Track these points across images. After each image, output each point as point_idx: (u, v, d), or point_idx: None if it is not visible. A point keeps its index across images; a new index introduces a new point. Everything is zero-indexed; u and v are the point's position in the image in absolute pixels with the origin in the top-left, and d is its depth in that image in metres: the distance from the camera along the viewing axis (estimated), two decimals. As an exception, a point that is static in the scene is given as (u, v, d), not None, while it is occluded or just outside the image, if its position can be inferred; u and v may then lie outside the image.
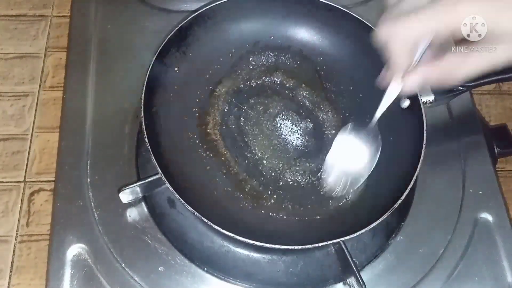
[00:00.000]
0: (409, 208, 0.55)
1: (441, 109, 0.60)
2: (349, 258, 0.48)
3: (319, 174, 0.54)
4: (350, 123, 0.50)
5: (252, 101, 0.59)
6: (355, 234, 0.45)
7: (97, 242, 0.51)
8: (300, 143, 0.57)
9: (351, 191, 0.51)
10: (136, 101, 0.56)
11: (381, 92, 0.57)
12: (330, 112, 0.59)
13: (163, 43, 0.53)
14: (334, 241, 0.46)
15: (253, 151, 0.56)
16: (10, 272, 0.56)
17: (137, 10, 0.66)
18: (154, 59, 0.52)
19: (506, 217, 0.55)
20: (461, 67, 0.37)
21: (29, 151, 0.63)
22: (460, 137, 0.60)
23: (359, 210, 0.51)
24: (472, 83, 0.55)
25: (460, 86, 0.55)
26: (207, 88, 0.58)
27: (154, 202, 0.54)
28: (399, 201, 0.46)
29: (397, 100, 0.48)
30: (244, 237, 0.44)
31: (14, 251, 0.57)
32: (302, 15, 0.60)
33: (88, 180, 0.54)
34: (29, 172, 0.62)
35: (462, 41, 0.36)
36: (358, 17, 0.56)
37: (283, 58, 0.61)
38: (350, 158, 0.50)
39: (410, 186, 0.47)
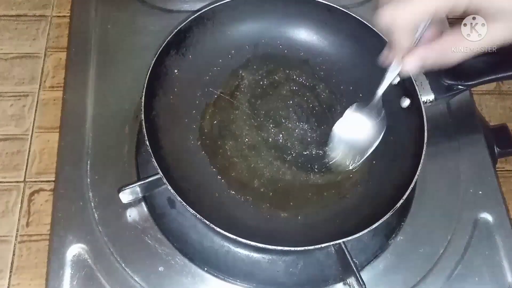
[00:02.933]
0: (409, 208, 0.55)
1: (441, 109, 0.61)
2: (349, 258, 0.48)
3: (326, 148, 0.55)
4: (356, 103, 0.51)
5: (252, 102, 0.59)
6: (357, 235, 0.45)
7: (97, 242, 0.51)
8: (300, 144, 0.57)
9: (357, 164, 0.53)
10: (136, 101, 0.56)
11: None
12: (330, 113, 0.59)
13: (163, 46, 0.53)
14: (336, 242, 0.46)
15: (254, 152, 0.56)
16: (10, 272, 0.56)
17: (137, 10, 0.66)
18: (153, 61, 0.52)
19: (506, 217, 0.55)
20: (458, 46, 0.38)
21: (29, 151, 0.63)
22: (460, 137, 0.60)
23: (360, 210, 0.51)
24: (472, 82, 0.55)
25: (460, 85, 0.55)
26: (207, 90, 0.58)
27: (154, 202, 0.54)
28: (400, 202, 0.46)
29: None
30: (244, 238, 0.44)
31: (14, 251, 0.57)
32: (301, 15, 0.60)
33: (88, 180, 0.54)
34: (29, 172, 0.62)
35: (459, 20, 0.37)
36: (358, 17, 0.56)
37: (282, 59, 0.61)
38: (355, 133, 0.51)
39: (411, 186, 0.47)
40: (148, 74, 0.51)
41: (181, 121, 0.56)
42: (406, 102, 0.54)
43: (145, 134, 0.48)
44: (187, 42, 0.57)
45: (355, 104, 0.51)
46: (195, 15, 0.56)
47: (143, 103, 0.50)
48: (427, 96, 0.54)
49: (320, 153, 0.56)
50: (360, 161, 0.52)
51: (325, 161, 0.55)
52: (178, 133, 0.55)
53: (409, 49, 0.40)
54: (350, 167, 0.53)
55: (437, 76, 0.55)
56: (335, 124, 0.52)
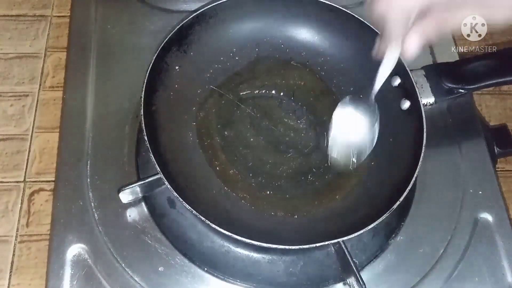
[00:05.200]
0: (409, 208, 0.55)
1: (441, 109, 0.61)
2: (349, 258, 0.48)
3: (327, 150, 0.53)
4: (347, 96, 0.51)
5: (252, 100, 0.59)
6: (355, 234, 0.45)
7: (97, 242, 0.51)
8: (300, 143, 0.57)
9: (356, 163, 0.52)
10: (136, 101, 0.56)
11: (381, 95, 0.57)
12: (330, 113, 0.59)
13: (164, 42, 0.53)
14: (334, 241, 0.46)
15: (253, 150, 0.56)
16: (10, 272, 0.56)
17: (137, 10, 0.66)
18: (155, 57, 0.52)
19: (506, 217, 0.56)
20: (454, 14, 0.38)
21: (29, 151, 0.63)
22: (460, 138, 0.60)
23: (359, 210, 0.51)
24: (472, 86, 0.55)
25: (461, 89, 0.55)
26: (208, 88, 0.58)
27: (154, 202, 0.54)
28: (398, 202, 0.47)
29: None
30: (243, 237, 0.44)
31: (14, 251, 0.57)
32: (303, 15, 0.60)
33: (88, 180, 0.54)
34: (29, 172, 0.62)
35: None
36: (359, 18, 0.57)
37: (283, 59, 0.61)
38: (351, 131, 0.50)
39: (409, 187, 0.47)
40: (149, 69, 0.51)
41: (181, 117, 0.56)
42: (406, 104, 0.54)
43: (144, 130, 0.48)
44: (188, 39, 0.57)
45: (347, 98, 0.50)
46: (197, 12, 0.56)
47: (142, 98, 0.50)
48: (427, 99, 0.54)
49: (319, 152, 0.56)
50: (361, 161, 0.52)
51: (327, 163, 0.55)
52: (177, 129, 0.55)
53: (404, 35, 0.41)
54: (350, 167, 0.52)
55: (438, 79, 0.55)
56: (332, 124, 0.51)
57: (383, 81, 0.46)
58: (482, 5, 0.37)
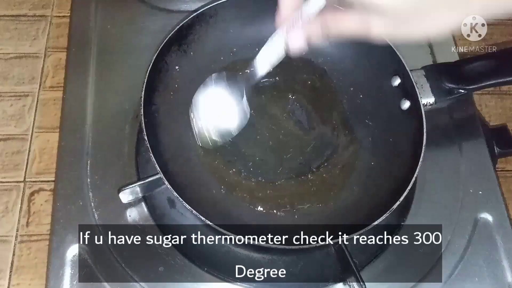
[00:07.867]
0: (409, 208, 0.55)
1: (441, 109, 0.60)
2: (349, 258, 0.48)
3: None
4: (213, 74, 0.51)
5: (252, 100, 0.59)
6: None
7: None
8: (299, 143, 0.57)
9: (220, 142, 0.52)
10: (136, 101, 0.56)
11: (381, 95, 0.57)
12: (330, 113, 0.59)
13: (164, 41, 0.53)
14: (334, 241, 0.46)
15: (252, 150, 0.56)
16: (10, 272, 0.56)
17: (137, 10, 0.66)
18: (155, 57, 0.52)
19: (506, 217, 0.55)
20: (335, 26, 0.38)
21: (29, 151, 0.63)
22: (460, 138, 0.60)
23: (359, 210, 0.51)
24: (473, 86, 0.55)
25: (461, 89, 0.55)
26: (208, 88, 0.58)
27: (154, 202, 0.54)
28: (398, 202, 0.47)
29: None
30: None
31: (14, 251, 0.57)
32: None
33: (88, 180, 0.54)
34: (29, 172, 0.62)
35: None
36: (359, 18, 0.56)
37: (284, 59, 0.61)
38: (214, 110, 0.51)
39: (409, 187, 0.47)
40: (149, 68, 0.51)
41: (181, 117, 0.56)
42: (406, 104, 0.54)
43: (144, 129, 0.48)
44: (189, 39, 0.57)
45: (212, 76, 0.51)
46: (197, 12, 0.56)
47: (142, 97, 0.50)
48: (427, 99, 0.54)
49: (319, 152, 0.56)
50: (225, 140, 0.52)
51: (327, 163, 0.54)
52: (177, 129, 0.55)
53: (294, 24, 0.40)
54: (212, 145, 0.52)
55: (438, 79, 0.55)
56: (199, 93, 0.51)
57: (263, 60, 0.45)
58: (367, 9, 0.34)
